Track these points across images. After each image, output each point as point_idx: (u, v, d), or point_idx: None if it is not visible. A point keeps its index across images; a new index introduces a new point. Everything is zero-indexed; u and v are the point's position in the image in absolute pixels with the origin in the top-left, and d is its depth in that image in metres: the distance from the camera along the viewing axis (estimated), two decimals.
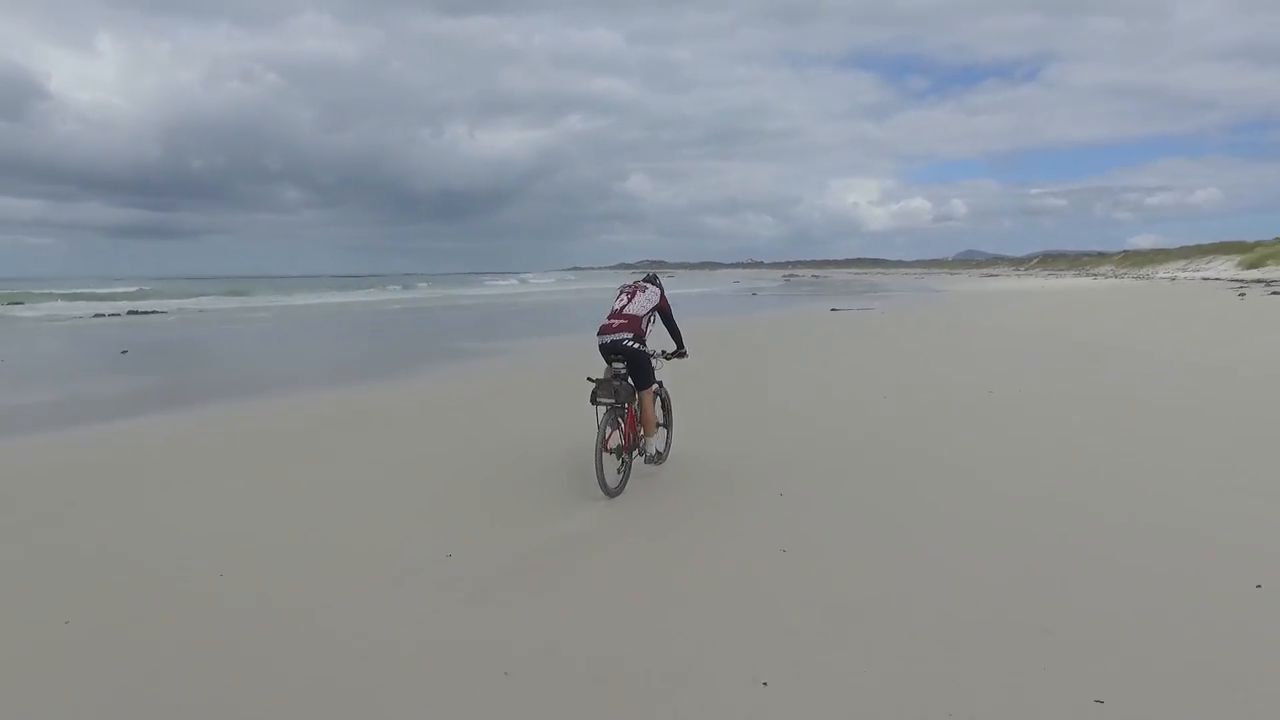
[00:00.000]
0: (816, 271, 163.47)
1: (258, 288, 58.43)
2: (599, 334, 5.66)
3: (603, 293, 51.56)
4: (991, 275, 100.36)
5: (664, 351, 5.95)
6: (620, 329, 5.58)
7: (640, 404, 5.70)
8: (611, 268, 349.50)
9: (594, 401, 5.49)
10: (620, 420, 5.55)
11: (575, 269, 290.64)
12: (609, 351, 5.61)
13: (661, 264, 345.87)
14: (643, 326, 5.68)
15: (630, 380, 5.64)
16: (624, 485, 5.55)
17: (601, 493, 5.31)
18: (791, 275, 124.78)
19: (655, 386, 5.82)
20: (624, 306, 5.71)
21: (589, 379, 5.62)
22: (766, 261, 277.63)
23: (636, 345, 5.59)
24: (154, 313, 30.88)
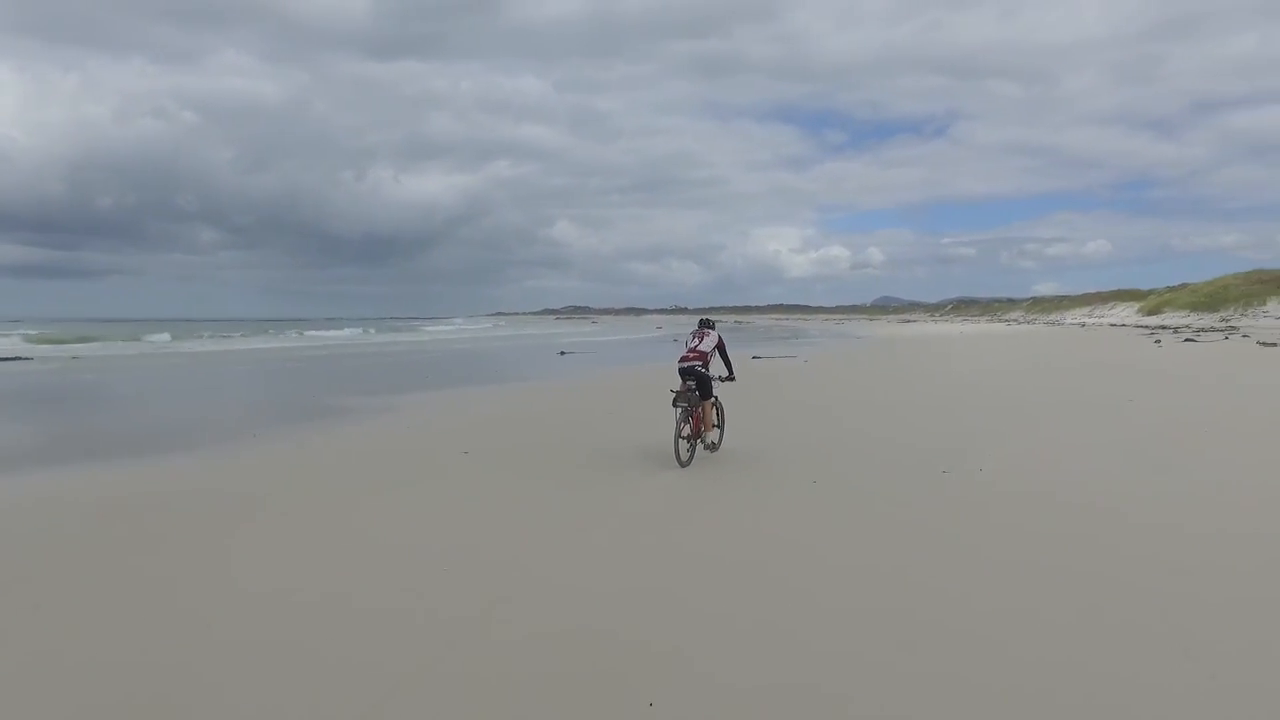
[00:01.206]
0: (739, 318, 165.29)
1: (164, 329, 53.96)
2: (680, 361, 8.36)
3: (531, 338, 49.79)
4: (908, 321, 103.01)
5: (720, 376, 8.48)
6: (694, 359, 8.25)
7: (704, 410, 8.20)
8: (536, 313, 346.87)
9: (674, 404, 8.02)
10: (689, 418, 8.00)
11: (501, 314, 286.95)
12: (685, 374, 8.21)
13: (586, 309, 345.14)
14: (708, 358, 8.30)
15: (697, 393, 8.09)
16: (690, 460, 7.94)
17: (678, 464, 7.79)
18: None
19: (713, 399, 8.36)
20: (697, 345, 8.40)
21: (671, 390, 8.14)
22: (690, 307, 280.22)
23: (703, 370, 8.21)
24: (16, 359, 27.18)
